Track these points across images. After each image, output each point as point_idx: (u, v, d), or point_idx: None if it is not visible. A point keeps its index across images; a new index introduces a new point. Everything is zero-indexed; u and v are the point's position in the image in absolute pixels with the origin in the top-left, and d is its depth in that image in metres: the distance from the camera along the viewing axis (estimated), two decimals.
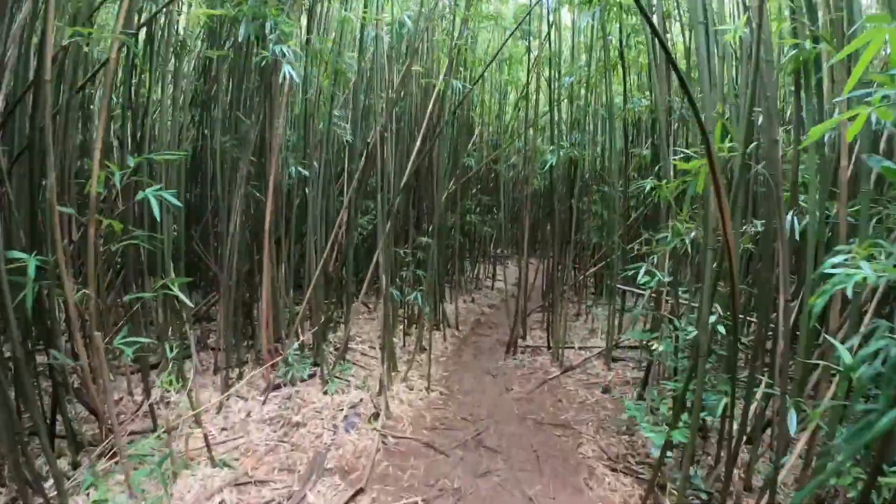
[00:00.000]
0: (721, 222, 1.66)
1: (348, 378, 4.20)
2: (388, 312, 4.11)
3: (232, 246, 3.77)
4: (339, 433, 3.36)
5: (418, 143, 4.47)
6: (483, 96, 7.98)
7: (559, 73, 5.71)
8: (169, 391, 3.95)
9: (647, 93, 5.62)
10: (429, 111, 4.52)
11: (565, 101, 6.67)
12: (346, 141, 5.07)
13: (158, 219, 2.56)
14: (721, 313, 2.47)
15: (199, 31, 5.34)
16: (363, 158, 4.50)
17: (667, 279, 2.79)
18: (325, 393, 3.89)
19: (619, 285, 4.69)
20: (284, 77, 3.19)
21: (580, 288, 6.83)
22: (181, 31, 4.63)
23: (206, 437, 3.04)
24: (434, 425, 3.55)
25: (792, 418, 2.00)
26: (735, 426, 2.17)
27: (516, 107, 7.86)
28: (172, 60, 4.31)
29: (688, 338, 2.40)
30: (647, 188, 2.86)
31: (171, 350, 2.96)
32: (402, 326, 5.48)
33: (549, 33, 5.57)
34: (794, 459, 2.35)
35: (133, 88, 4.29)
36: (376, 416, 3.52)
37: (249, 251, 4.56)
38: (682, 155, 2.15)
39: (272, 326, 4.40)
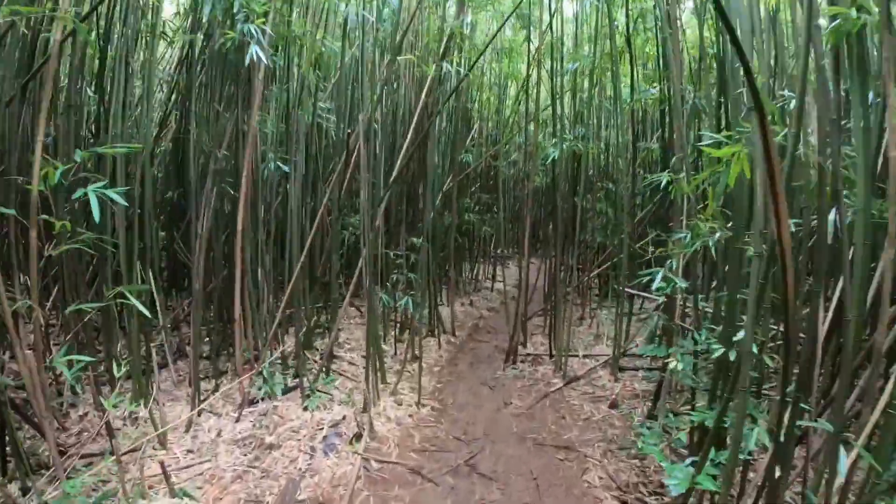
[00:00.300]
0: (775, 221, 1.31)
1: (332, 392, 3.85)
2: (373, 321, 3.77)
3: (200, 248, 3.43)
4: (316, 457, 3.02)
5: (409, 135, 4.13)
6: (482, 91, 7.65)
7: (561, 64, 5.37)
8: (138, 406, 3.62)
9: (656, 84, 5.28)
10: (422, 100, 4.18)
11: (568, 93, 6.32)
12: (336, 135, 4.74)
13: (97, 219, 2.22)
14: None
15: (183, 22, 5.02)
16: (345, 152, 4.15)
17: (683, 285, 2.44)
18: (306, 409, 3.55)
19: (627, 289, 4.34)
20: (252, 60, 2.85)
21: (584, 290, 6.47)
22: (157, 18, 4.31)
23: (162, 464, 2.70)
24: (423, 447, 3.20)
25: (842, 459, 1.65)
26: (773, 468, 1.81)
27: (517, 100, 7.52)
28: (147, 48, 3.99)
29: (712, 356, 2.05)
30: (664, 182, 2.52)
31: (120, 367, 2.62)
32: (394, 333, 5.14)
33: (550, 23, 5.23)
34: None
35: (110, 79, 3.97)
36: (359, 436, 3.17)
37: (230, 253, 4.23)
38: (710, 141, 1.81)
39: (251, 334, 4.07)
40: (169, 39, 4.86)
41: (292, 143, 4.00)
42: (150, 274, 4.17)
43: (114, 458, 2.63)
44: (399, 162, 4.05)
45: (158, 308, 4.39)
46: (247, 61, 2.88)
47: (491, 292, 7.76)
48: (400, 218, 5.51)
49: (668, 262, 2.28)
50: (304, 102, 4.28)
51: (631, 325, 4.89)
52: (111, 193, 2.32)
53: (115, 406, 2.82)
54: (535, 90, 5.68)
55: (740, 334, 2.04)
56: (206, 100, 3.94)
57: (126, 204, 2.42)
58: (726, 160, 1.67)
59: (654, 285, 2.26)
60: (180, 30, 5.05)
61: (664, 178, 2.50)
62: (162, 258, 5.43)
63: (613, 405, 3.67)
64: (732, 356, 2.00)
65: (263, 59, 2.88)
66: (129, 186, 3.74)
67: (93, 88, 4.32)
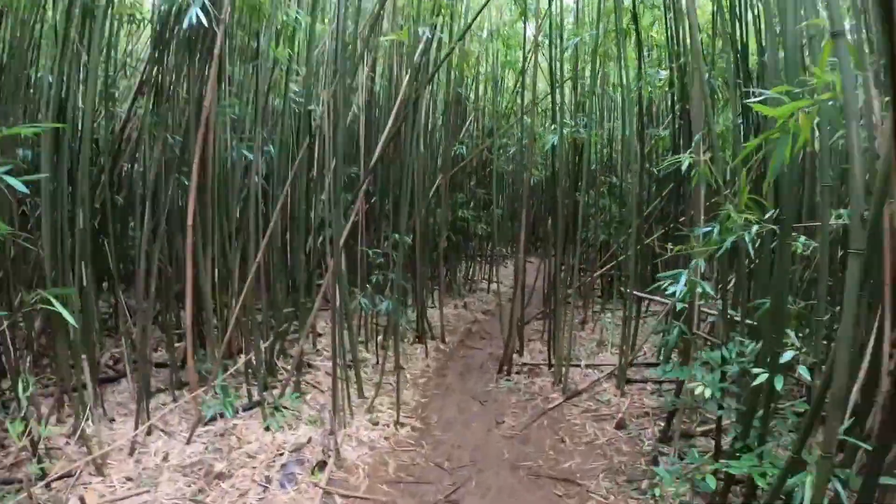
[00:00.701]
0: None
1: (301, 408, 3.41)
2: (340, 328, 3.32)
3: (143, 246, 2.99)
4: (271, 489, 2.57)
5: (392, 116, 3.69)
6: (477, 79, 7.21)
7: (561, 45, 4.93)
8: (87, 420, 3.18)
9: (664, 63, 4.83)
10: (406, 77, 3.73)
11: (568, 81, 5.87)
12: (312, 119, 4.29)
13: None
14: (797, 343, 1.67)
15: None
16: (308, 136, 3.69)
17: (710, 290, 1.99)
18: (268, 429, 3.10)
19: (635, 292, 3.88)
20: (192, 24, 2.40)
21: (586, 292, 6.02)
22: None
23: (82, 500, 2.27)
24: (398, 477, 2.75)
25: None
26: None
27: (514, 90, 7.09)
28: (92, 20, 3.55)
29: (753, 382, 1.61)
30: (685, 164, 2.07)
31: (27, 386, 2.18)
32: (377, 339, 4.69)
33: (549, 4, 4.81)
34: None
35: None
36: (323, 464, 2.72)
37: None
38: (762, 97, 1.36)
39: (215, 340, 3.64)
40: (128, 15, 4.40)
41: (258, 128, 3.55)
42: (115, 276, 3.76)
43: (24, 493, 2.21)
44: (381, 144, 3.61)
45: (122, 312, 3.99)
46: (185, 24, 2.42)
47: (486, 293, 7.32)
48: (386, 213, 5.07)
49: (694, 262, 1.83)
50: (275, 84, 3.83)
51: (638, 330, 4.43)
52: (9, 179, 1.90)
53: (21, 432, 2.39)
54: (532, 75, 5.25)
55: (787, 356, 1.60)
56: (169, 83, 3.51)
57: (27, 191, 1.96)
58: (783, 123, 1.21)
59: (678, 289, 1.81)
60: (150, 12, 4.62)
61: (685, 159, 2.06)
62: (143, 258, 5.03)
63: (620, 425, 3.21)
64: (779, 384, 1.55)
65: (204, 22, 2.43)
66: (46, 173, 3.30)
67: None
